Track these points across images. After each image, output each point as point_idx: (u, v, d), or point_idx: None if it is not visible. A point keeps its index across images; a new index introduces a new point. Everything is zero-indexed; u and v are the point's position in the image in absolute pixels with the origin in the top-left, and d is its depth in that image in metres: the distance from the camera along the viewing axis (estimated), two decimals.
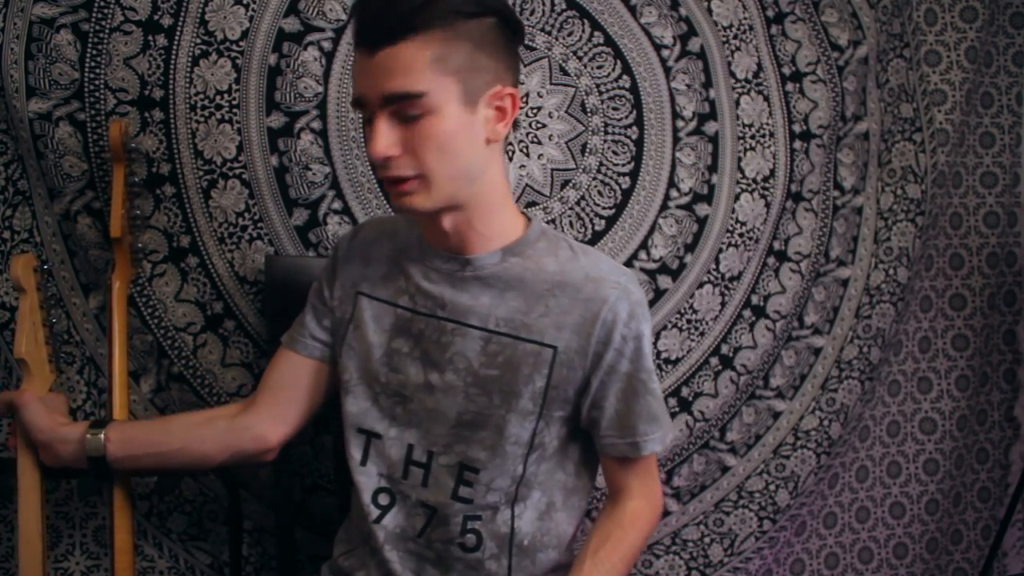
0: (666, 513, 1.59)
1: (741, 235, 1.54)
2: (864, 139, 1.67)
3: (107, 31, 1.27)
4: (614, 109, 1.48)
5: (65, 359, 1.33)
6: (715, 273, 1.54)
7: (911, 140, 1.72)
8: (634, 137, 1.48)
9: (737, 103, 1.54)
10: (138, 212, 1.25)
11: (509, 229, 1.00)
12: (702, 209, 1.52)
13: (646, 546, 1.44)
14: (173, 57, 1.29)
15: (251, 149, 1.31)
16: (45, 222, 1.32)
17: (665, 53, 1.51)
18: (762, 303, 1.59)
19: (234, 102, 1.30)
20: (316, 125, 1.33)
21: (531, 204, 1.43)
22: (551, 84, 1.45)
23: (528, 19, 1.43)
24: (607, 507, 1.07)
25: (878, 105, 1.68)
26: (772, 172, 1.56)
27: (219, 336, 1.34)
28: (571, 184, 1.46)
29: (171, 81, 1.29)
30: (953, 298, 1.83)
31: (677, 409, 1.55)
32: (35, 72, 1.25)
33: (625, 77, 1.48)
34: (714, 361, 1.56)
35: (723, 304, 1.56)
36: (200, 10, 1.30)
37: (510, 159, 1.42)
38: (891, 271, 1.70)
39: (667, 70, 1.50)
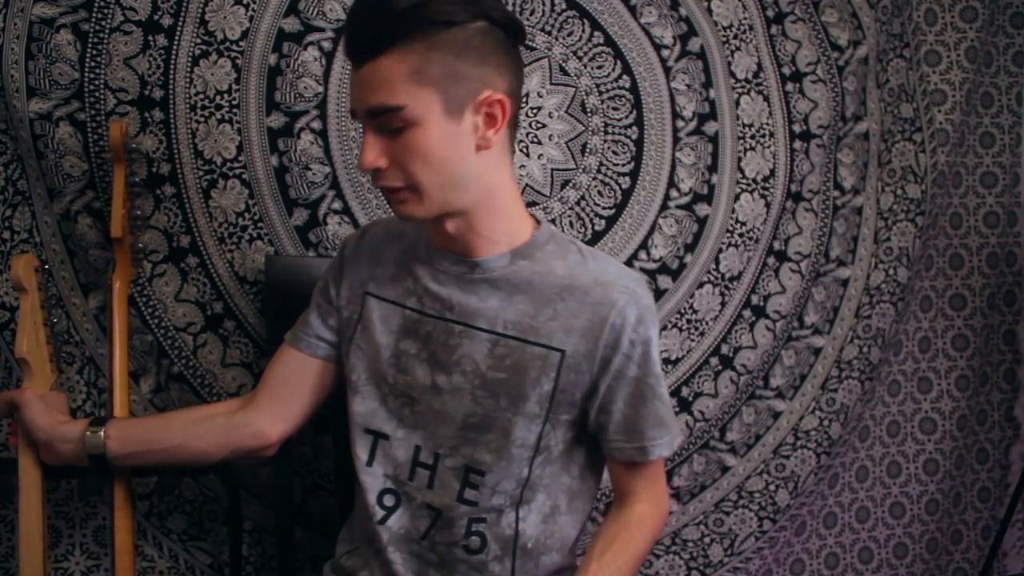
0: None
1: (741, 235, 1.54)
2: (864, 139, 1.67)
3: (107, 31, 1.27)
4: (614, 109, 1.48)
5: (65, 359, 1.33)
6: (715, 273, 1.54)
7: (911, 140, 1.72)
8: (634, 137, 1.48)
9: (737, 103, 1.54)
10: (138, 212, 1.25)
11: (516, 232, 1.00)
12: (702, 209, 1.52)
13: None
14: (173, 57, 1.29)
15: (251, 149, 1.31)
16: (45, 222, 1.32)
17: (665, 53, 1.51)
18: (762, 303, 1.59)
19: (234, 102, 1.30)
20: (316, 125, 1.33)
21: (531, 204, 1.43)
22: (551, 84, 1.45)
23: (528, 19, 1.43)
24: (613, 510, 1.07)
25: (878, 105, 1.68)
26: (772, 172, 1.56)
27: (219, 336, 1.34)
28: (571, 184, 1.46)
29: (171, 81, 1.29)
30: (953, 298, 1.83)
31: (677, 409, 1.55)
32: (35, 72, 1.25)
33: (625, 77, 1.48)
34: (714, 361, 1.56)
35: (723, 304, 1.56)
36: (200, 10, 1.30)
37: None
38: (891, 271, 1.70)
39: (667, 70, 1.50)
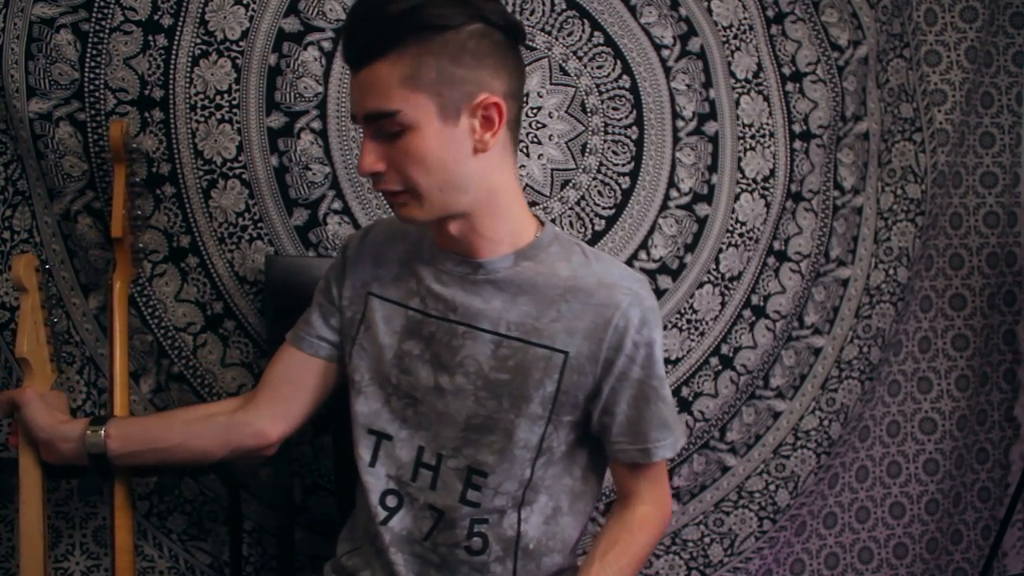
0: None
1: (741, 235, 1.54)
2: (864, 139, 1.67)
3: (107, 31, 1.27)
4: (614, 109, 1.48)
5: (65, 359, 1.33)
6: (715, 273, 1.54)
7: (911, 140, 1.72)
8: (634, 137, 1.48)
9: (737, 103, 1.54)
10: (139, 212, 1.25)
11: (520, 232, 1.00)
12: (702, 209, 1.52)
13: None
14: (173, 57, 1.29)
15: (251, 149, 1.31)
16: (45, 222, 1.32)
17: (665, 53, 1.51)
18: (762, 303, 1.59)
19: (234, 102, 1.30)
20: (316, 125, 1.33)
21: (531, 204, 1.43)
22: (551, 84, 1.45)
23: (528, 19, 1.43)
24: (616, 511, 1.07)
25: (878, 105, 1.68)
26: (772, 172, 1.56)
27: (219, 336, 1.34)
28: (571, 184, 1.46)
29: (171, 81, 1.29)
30: (953, 298, 1.83)
31: (677, 409, 1.55)
32: (35, 72, 1.25)
33: (625, 77, 1.48)
34: (714, 361, 1.57)
35: (723, 304, 1.56)
36: (200, 10, 1.30)
37: None
38: (891, 271, 1.70)
39: (667, 70, 1.50)
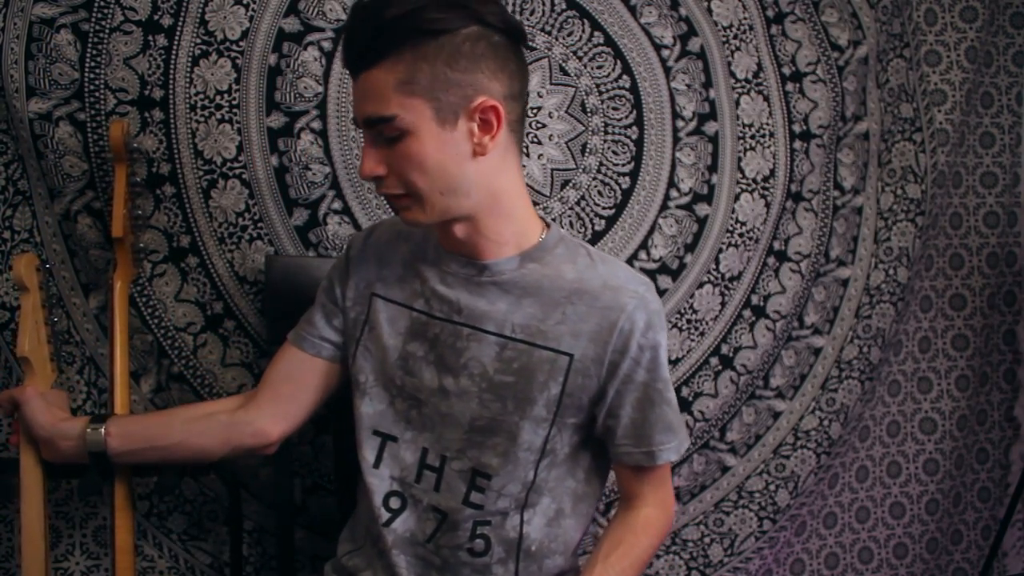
0: None
1: (741, 235, 1.54)
2: (864, 139, 1.67)
3: (107, 31, 1.27)
4: (614, 109, 1.48)
5: (65, 359, 1.33)
6: (715, 273, 1.54)
7: (911, 140, 1.72)
8: (634, 137, 1.48)
9: (737, 103, 1.54)
10: (139, 212, 1.25)
11: (525, 234, 1.00)
12: (702, 209, 1.52)
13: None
14: (173, 57, 1.29)
15: (251, 149, 1.31)
16: (45, 222, 1.32)
17: (665, 53, 1.51)
18: (762, 303, 1.59)
19: (234, 102, 1.30)
20: (316, 125, 1.33)
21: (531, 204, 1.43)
22: (551, 84, 1.45)
23: (528, 19, 1.43)
24: (619, 513, 1.07)
25: (878, 105, 1.68)
26: (772, 172, 1.56)
27: (219, 336, 1.34)
28: (571, 184, 1.46)
29: (171, 81, 1.29)
30: (953, 298, 1.83)
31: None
32: (35, 72, 1.25)
33: (625, 77, 1.48)
34: (714, 361, 1.57)
35: (723, 304, 1.56)
36: (200, 10, 1.30)
37: None
38: (891, 271, 1.70)
39: (667, 70, 1.51)
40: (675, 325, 1.52)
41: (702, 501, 1.63)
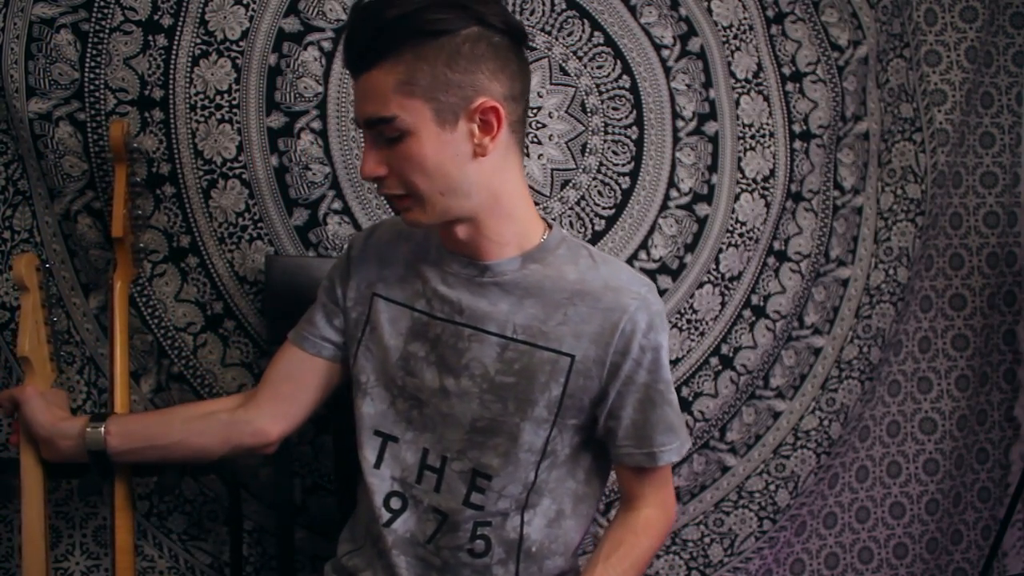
0: None
1: (741, 235, 1.54)
2: (864, 139, 1.67)
3: (107, 31, 1.27)
4: (614, 109, 1.48)
5: (65, 359, 1.33)
6: (715, 273, 1.54)
7: (911, 140, 1.72)
8: (634, 137, 1.48)
9: (737, 103, 1.54)
10: (139, 212, 1.25)
11: (526, 235, 1.00)
12: (702, 209, 1.52)
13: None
14: (173, 57, 1.29)
15: (251, 149, 1.31)
16: (45, 222, 1.32)
17: (665, 53, 1.51)
18: (762, 303, 1.59)
19: (234, 102, 1.30)
20: (316, 125, 1.33)
21: None
22: (551, 84, 1.45)
23: (528, 19, 1.43)
24: (620, 513, 1.07)
25: (878, 105, 1.68)
26: (772, 172, 1.56)
27: (219, 336, 1.34)
28: (571, 184, 1.46)
29: (171, 81, 1.29)
30: (953, 298, 1.83)
31: None
32: (35, 72, 1.25)
33: (625, 77, 1.48)
34: (714, 361, 1.57)
35: (723, 304, 1.56)
36: (200, 10, 1.30)
37: None
38: (891, 271, 1.70)
39: (667, 70, 1.51)
40: (675, 325, 1.52)
41: (702, 501, 1.63)
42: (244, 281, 1.33)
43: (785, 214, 1.59)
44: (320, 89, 1.33)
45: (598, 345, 0.97)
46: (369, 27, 0.88)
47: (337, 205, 1.35)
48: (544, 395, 0.98)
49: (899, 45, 1.70)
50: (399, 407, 1.03)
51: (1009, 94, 1.82)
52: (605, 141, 1.47)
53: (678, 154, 1.50)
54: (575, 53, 1.46)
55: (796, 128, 1.58)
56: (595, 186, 1.47)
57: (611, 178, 1.48)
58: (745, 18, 1.55)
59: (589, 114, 1.46)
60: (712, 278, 1.54)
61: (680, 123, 1.51)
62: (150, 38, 1.28)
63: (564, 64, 1.46)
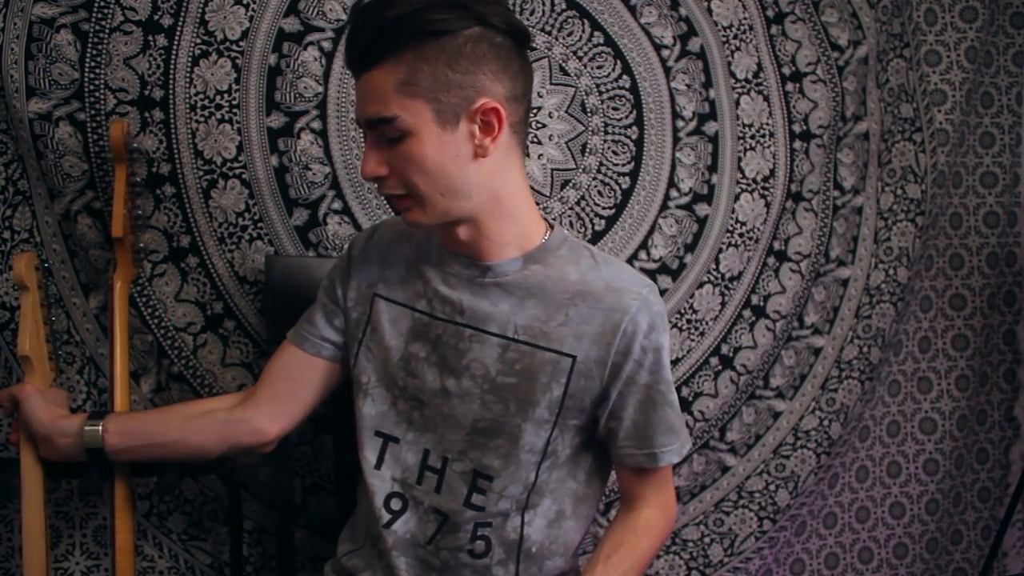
0: None
1: (741, 235, 1.54)
2: (864, 139, 1.67)
3: (107, 31, 1.27)
4: (614, 109, 1.48)
5: (65, 359, 1.33)
6: (715, 273, 1.54)
7: (911, 140, 1.72)
8: (634, 137, 1.48)
9: (737, 103, 1.54)
10: (139, 212, 1.25)
11: (527, 235, 1.00)
12: (702, 209, 1.52)
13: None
14: (173, 57, 1.29)
15: (251, 149, 1.31)
16: (45, 222, 1.32)
17: (665, 53, 1.51)
18: (762, 303, 1.59)
19: (234, 102, 1.30)
20: (316, 125, 1.33)
21: None
22: (551, 84, 1.45)
23: (528, 19, 1.43)
24: (620, 514, 1.07)
25: (878, 105, 1.68)
26: (772, 172, 1.56)
27: (219, 336, 1.34)
28: (571, 184, 1.46)
29: (171, 81, 1.29)
30: (953, 298, 1.83)
31: None
32: (35, 72, 1.25)
33: (625, 77, 1.48)
34: (714, 361, 1.57)
35: (723, 304, 1.56)
36: (200, 10, 1.30)
37: None
38: (891, 271, 1.70)
39: (667, 70, 1.51)
40: (675, 325, 1.52)
41: (702, 501, 1.63)
42: (244, 281, 1.33)
43: (785, 214, 1.59)
44: (320, 89, 1.33)
45: (599, 346, 0.97)
46: (370, 27, 0.88)
47: (337, 205, 1.35)
48: (545, 396, 0.98)
49: (899, 45, 1.70)
50: (400, 408, 1.03)
51: (1009, 94, 1.82)
52: (605, 141, 1.47)
53: (678, 154, 1.50)
54: (575, 53, 1.46)
55: (796, 128, 1.58)
56: (595, 186, 1.47)
57: (611, 178, 1.48)
58: (745, 18, 1.55)
59: (589, 114, 1.46)
60: (712, 278, 1.54)
61: (680, 123, 1.51)
62: (150, 38, 1.28)
63: (564, 64, 1.46)
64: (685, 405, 1.55)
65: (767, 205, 1.56)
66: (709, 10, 1.53)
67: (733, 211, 1.53)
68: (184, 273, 1.33)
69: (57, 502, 1.35)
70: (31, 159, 1.28)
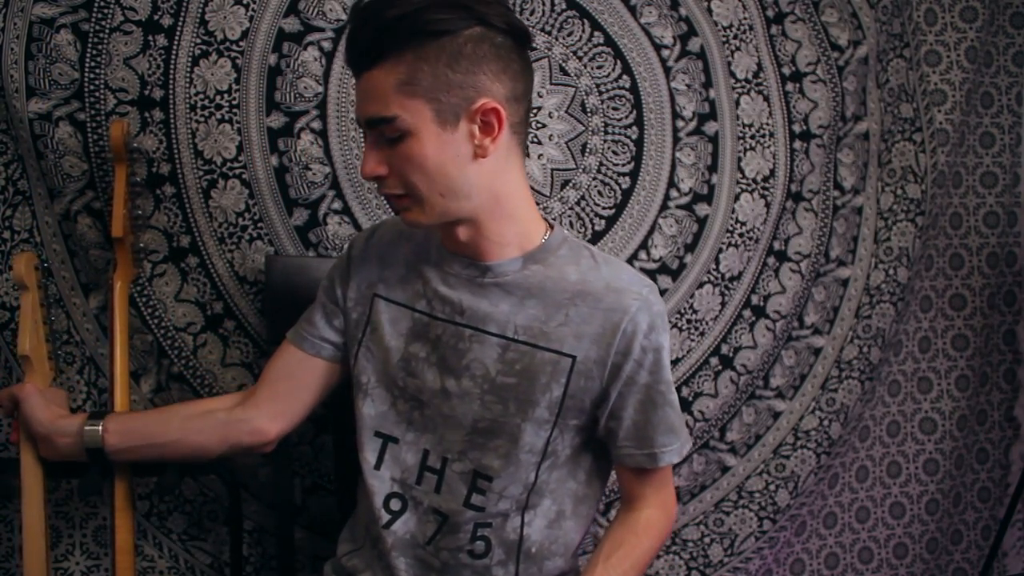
0: None
1: (741, 235, 1.54)
2: (864, 139, 1.67)
3: (107, 31, 1.27)
4: (614, 109, 1.48)
5: (65, 359, 1.33)
6: (715, 273, 1.54)
7: (911, 140, 1.72)
8: (634, 137, 1.49)
9: (737, 103, 1.54)
10: (139, 212, 1.25)
11: (527, 235, 1.00)
12: (702, 209, 1.52)
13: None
14: (173, 57, 1.29)
15: (251, 149, 1.31)
16: (45, 222, 1.32)
17: (665, 53, 1.51)
18: (762, 303, 1.59)
19: (234, 102, 1.30)
20: (316, 125, 1.33)
21: None
22: (551, 84, 1.45)
23: (528, 19, 1.43)
24: (621, 514, 1.07)
25: (878, 105, 1.68)
26: (772, 172, 1.56)
27: (219, 336, 1.34)
28: (571, 184, 1.46)
29: (171, 81, 1.29)
30: (953, 298, 1.83)
31: None
32: (35, 72, 1.25)
33: (625, 77, 1.48)
34: (714, 361, 1.57)
35: (723, 304, 1.56)
36: (200, 10, 1.30)
37: None
38: (891, 271, 1.70)
39: (667, 70, 1.51)
40: (675, 325, 1.52)
41: (702, 501, 1.63)
42: (244, 281, 1.33)
43: (785, 214, 1.59)
44: (320, 89, 1.33)
45: (599, 346, 0.97)
46: (370, 27, 0.88)
47: (337, 205, 1.35)
48: (545, 396, 0.98)
49: (899, 45, 1.70)
50: (400, 408, 1.03)
51: (1009, 94, 1.82)
52: (605, 141, 1.47)
53: (678, 154, 1.50)
54: (575, 53, 1.46)
55: (796, 128, 1.58)
56: (595, 186, 1.47)
57: (611, 178, 1.48)
58: (745, 18, 1.55)
59: (589, 114, 1.46)
60: (712, 278, 1.54)
61: (680, 123, 1.51)
62: (150, 38, 1.28)
63: (564, 64, 1.46)
64: (685, 405, 1.55)
65: (767, 205, 1.56)
66: (709, 10, 1.53)
67: (733, 211, 1.53)
68: (184, 273, 1.33)
69: (57, 502, 1.35)
70: (31, 159, 1.28)
